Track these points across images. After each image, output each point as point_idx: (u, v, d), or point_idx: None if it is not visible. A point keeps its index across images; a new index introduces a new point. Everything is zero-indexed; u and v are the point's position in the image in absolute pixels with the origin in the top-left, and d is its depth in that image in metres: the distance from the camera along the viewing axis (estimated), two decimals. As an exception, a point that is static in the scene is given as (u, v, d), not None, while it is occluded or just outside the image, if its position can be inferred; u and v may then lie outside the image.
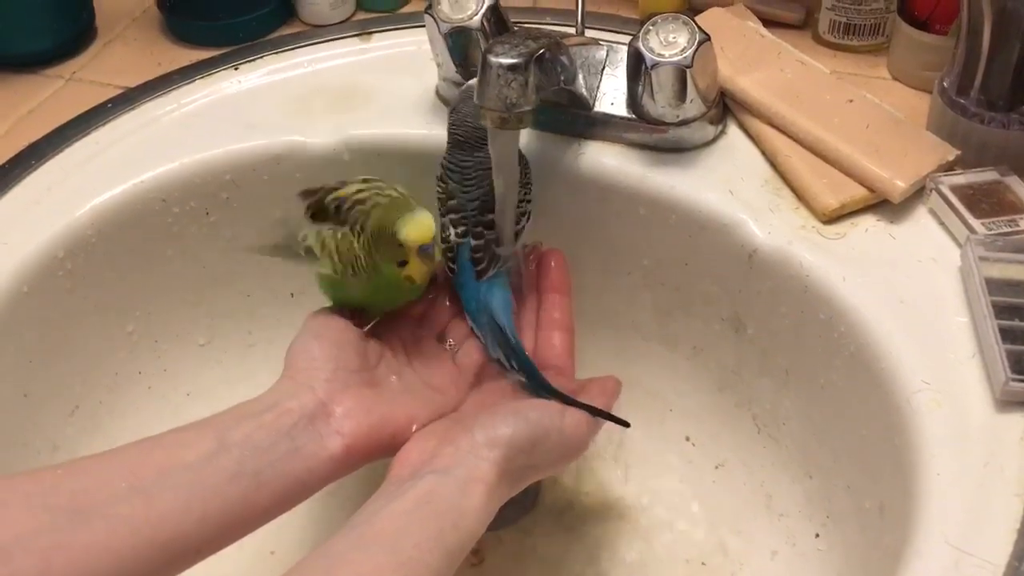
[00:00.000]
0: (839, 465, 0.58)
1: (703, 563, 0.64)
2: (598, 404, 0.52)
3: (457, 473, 0.45)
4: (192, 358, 0.70)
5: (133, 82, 0.72)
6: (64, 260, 0.61)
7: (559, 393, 0.52)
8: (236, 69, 0.72)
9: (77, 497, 0.42)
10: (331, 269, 0.52)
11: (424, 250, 0.51)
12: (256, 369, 0.72)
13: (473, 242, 0.56)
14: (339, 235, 0.51)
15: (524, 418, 0.48)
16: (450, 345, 0.57)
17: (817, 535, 0.60)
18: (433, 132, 0.65)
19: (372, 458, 0.50)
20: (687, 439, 0.68)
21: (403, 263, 0.51)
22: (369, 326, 0.55)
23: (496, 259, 0.56)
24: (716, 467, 0.66)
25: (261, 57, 0.73)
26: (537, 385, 0.53)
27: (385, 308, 0.56)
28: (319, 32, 0.75)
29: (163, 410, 0.69)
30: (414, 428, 0.50)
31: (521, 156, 0.57)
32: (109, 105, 0.69)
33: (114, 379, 0.67)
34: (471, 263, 0.56)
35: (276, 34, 0.76)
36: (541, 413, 0.49)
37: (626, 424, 0.53)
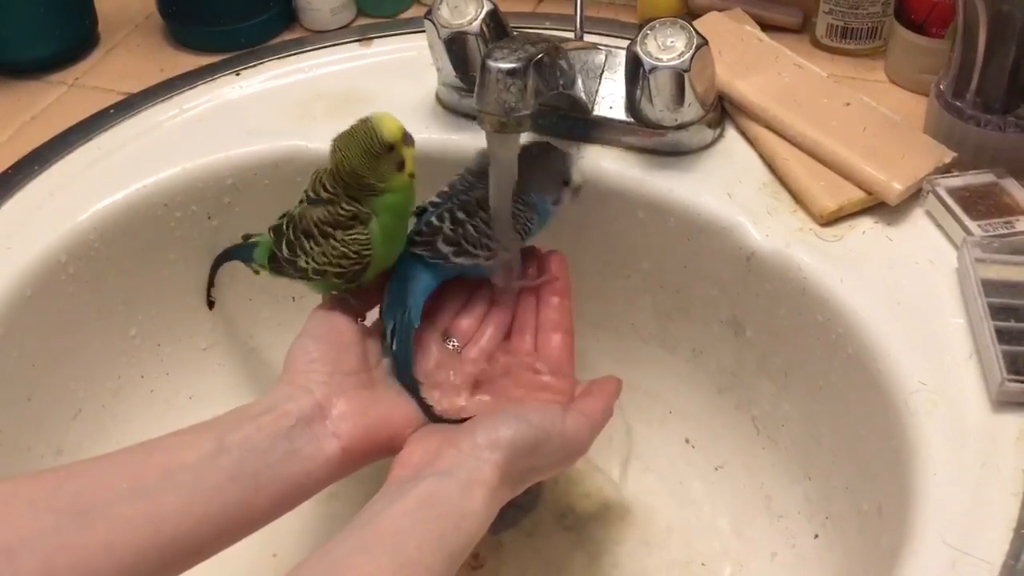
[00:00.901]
0: (838, 466, 0.58)
1: (703, 564, 0.64)
2: (598, 405, 0.52)
3: (459, 475, 0.45)
4: (194, 362, 0.71)
5: (135, 88, 0.72)
6: (67, 264, 0.62)
7: (412, 388, 0.52)
8: (238, 75, 0.72)
9: (79, 498, 0.42)
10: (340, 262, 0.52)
11: (406, 138, 0.51)
12: (258, 373, 0.72)
13: (434, 221, 0.55)
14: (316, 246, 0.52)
15: (526, 421, 0.48)
16: (454, 344, 0.57)
17: (816, 536, 0.60)
18: (433, 136, 0.66)
19: (370, 459, 0.50)
20: (687, 441, 0.68)
21: (401, 165, 0.51)
22: (372, 323, 0.55)
23: (442, 254, 0.55)
24: (716, 469, 0.67)
25: (262, 63, 0.73)
26: (400, 371, 0.53)
27: (392, 254, 0.55)
28: (320, 38, 0.76)
29: (166, 413, 0.69)
30: (412, 429, 0.50)
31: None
32: (111, 111, 0.70)
33: (117, 383, 0.67)
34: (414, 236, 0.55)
35: (277, 40, 0.77)
36: (543, 416, 0.49)
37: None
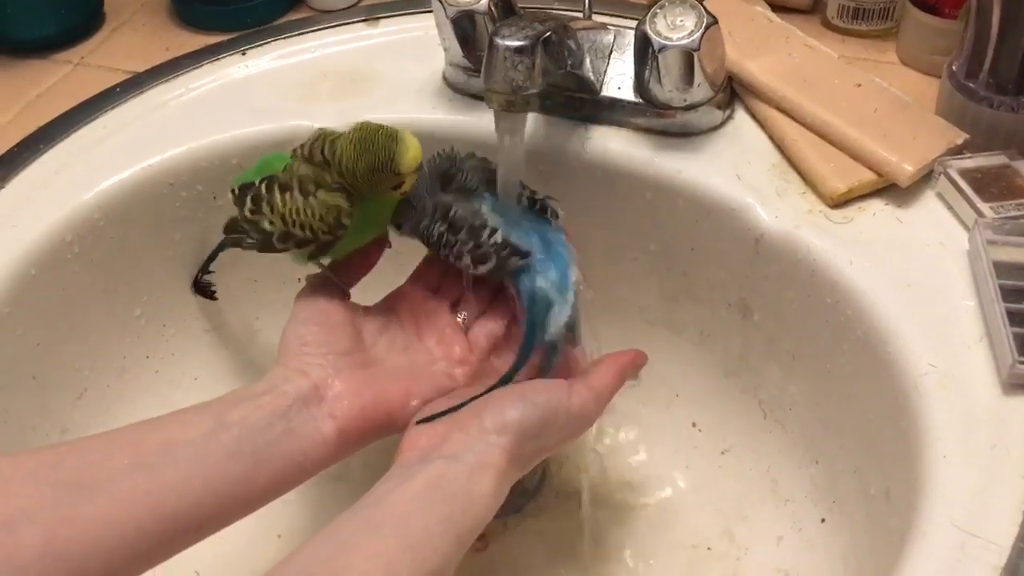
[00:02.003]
0: (845, 450, 0.58)
1: (709, 548, 0.64)
2: (606, 378, 0.52)
3: (467, 458, 0.45)
4: (200, 343, 0.71)
5: (141, 67, 0.72)
6: (72, 244, 0.62)
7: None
8: (244, 54, 0.72)
9: (80, 472, 0.42)
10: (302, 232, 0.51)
11: (419, 166, 0.50)
12: (263, 354, 0.72)
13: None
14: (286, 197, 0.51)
15: (532, 402, 0.48)
16: (463, 318, 0.56)
17: (823, 520, 0.60)
18: (440, 116, 0.65)
19: (369, 439, 0.50)
20: (693, 424, 0.68)
21: (398, 186, 0.50)
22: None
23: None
24: (722, 452, 0.66)
25: (269, 42, 0.73)
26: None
27: (366, 235, 0.54)
28: (326, 17, 0.75)
29: (171, 394, 0.69)
30: (413, 403, 0.50)
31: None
32: (117, 90, 0.70)
33: (122, 363, 0.67)
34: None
35: (284, 19, 0.76)
36: (549, 395, 0.49)
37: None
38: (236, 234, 0.54)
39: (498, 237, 0.53)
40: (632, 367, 0.54)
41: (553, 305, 0.53)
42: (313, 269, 0.55)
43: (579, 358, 0.55)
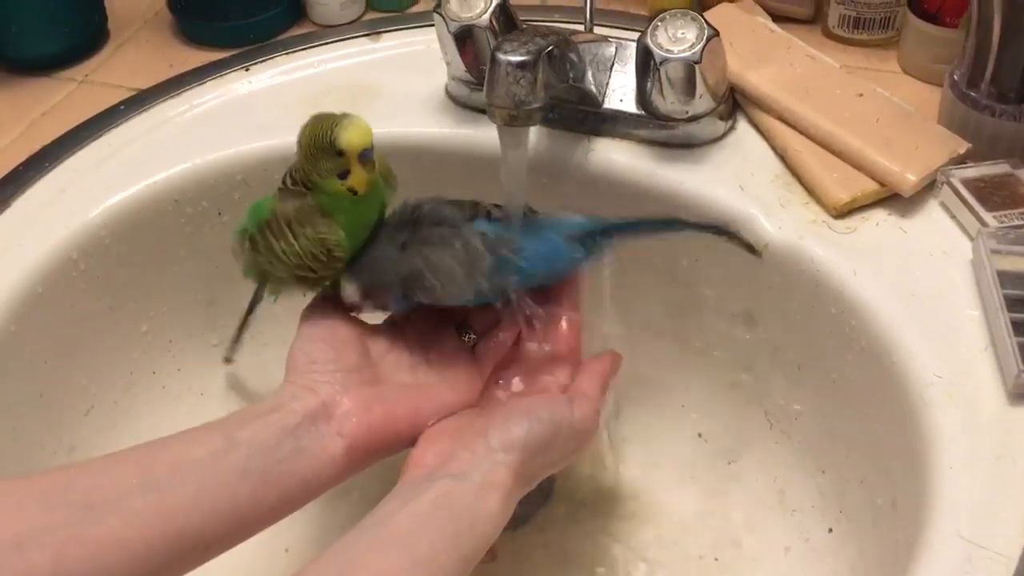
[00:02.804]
0: (852, 460, 0.58)
1: (716, 559, 0.64)
2: (595, 381, 0.52)
3: (473, 478, 0.45)
4: (206, 358, 0.71)
5: (145, 84, 0.72)
6: (78, 261, 0.62)
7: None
8: (247, 70, 0.72)
9: (90, 493, 0.42)
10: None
11: (365, 156, 0.48)
12: (269, 369, 0.72)
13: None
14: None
15: (537, 418, 0.48)
16: (469, 337, 0.56)
17: (830, 530, 0.60)
18: (443, 131, 0.66)
19: (378, 457, 0.50)
20: (699, 435, 0.68)
21: (344, 175, 0.49)
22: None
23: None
24: (728, 463, 0.66)
25: (272, 58, 0.73)
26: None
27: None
28: (329, 32, 0.76)
29: (177, 410, 0.69)
30: (421, 423, 0.50)
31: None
32: (121, 107, 0.70)
33: (129, 379, 0.67)
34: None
35: (286, 35, 0.77)
36: (552, 410, 0.49)
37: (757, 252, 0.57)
38: (264, 279, 0.54)
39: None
40: (612, 371, 0.54)
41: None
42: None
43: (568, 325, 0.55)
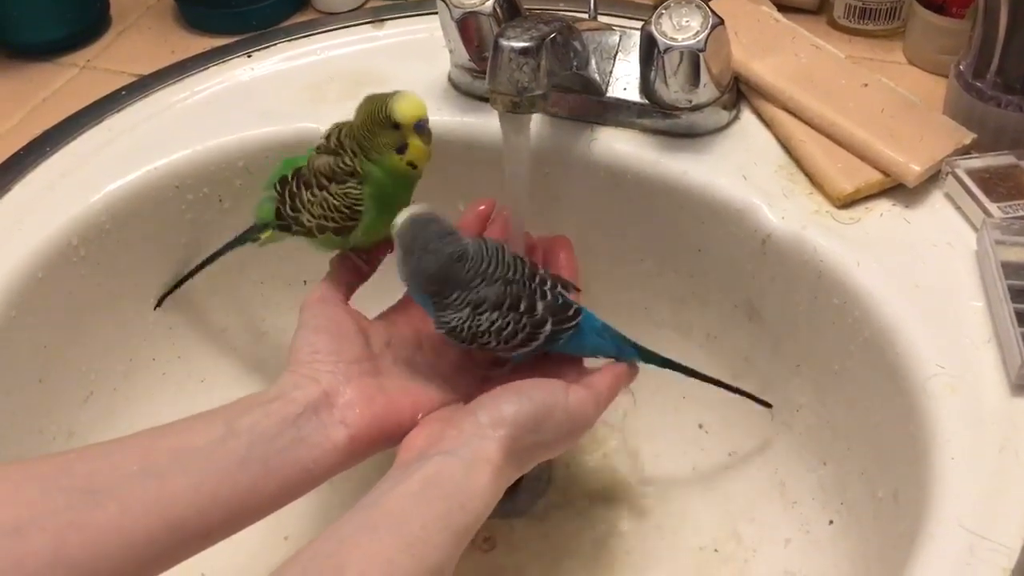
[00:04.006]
0: (853, 451, 0.57)
1: (716, 550, 0.63)
2: (604, 381, 0.52)
3: (463, 454, 0.45)
4: (206, 345, 0.71)
5: (147, 70, 0.72)
6: (78, 247, 0.62)
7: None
8: (249, 56, 0.72)
9: (90, 478, 0.42)
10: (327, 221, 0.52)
11: (420, 127, 0.50)
12: (269, 356, 0.72)
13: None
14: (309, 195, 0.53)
15: (527, 397, 0.48)
16: None
17: (831, 522, 0.60)
18: (445, 118, 0.65)
19: (379, 447, 0.50)
20: (700, 426, 0.68)
21: (402, 148, 0.51)
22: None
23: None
24: (729, 454, 0.66)
25: (274, 44, 0.73)
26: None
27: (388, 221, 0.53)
28: (332, 19, 0.75)
29: (177, 397, 0.69)
30: (420, 416, 0.50)
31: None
32: (123, 93, 0.70)
33: (128, 365, 0.67)
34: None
35: (289, 22, 0.77)
36: (544, 391, 0.49)
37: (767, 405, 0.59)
38: (283, 221, 0.55)
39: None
40: (627, 377, 0.54)
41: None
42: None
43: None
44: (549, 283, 0.51)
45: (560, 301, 0.51)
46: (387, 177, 0.51)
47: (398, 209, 0.50)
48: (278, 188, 0.55)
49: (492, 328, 0.49)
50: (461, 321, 0.49)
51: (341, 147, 0.52)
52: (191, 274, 0.65)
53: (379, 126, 0.50)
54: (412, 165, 0.51)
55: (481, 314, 0.49)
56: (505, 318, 0.49)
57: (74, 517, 0.41)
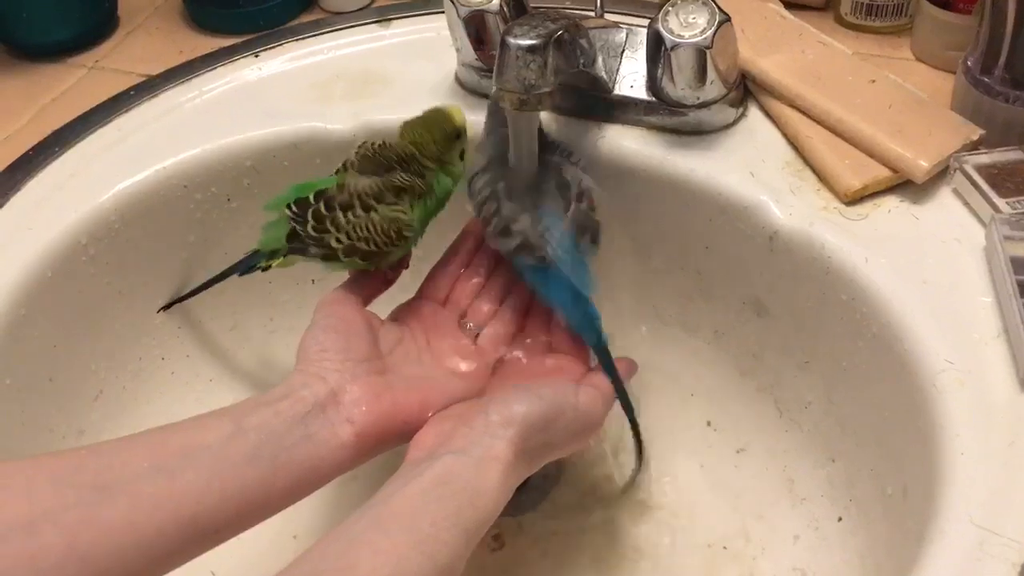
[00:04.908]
0: (862, 448, 0.57)
1: (724, 547, 0.63)
2: (609, 385, 0.53)
3: (473, 453, 0.45)
4: (215, 344, 0.71)
5: (155, 70, 0.72)
6: (88, 246, 0.62)
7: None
8: (257, 56, 0.72)
9: (101, 475, 0.42)
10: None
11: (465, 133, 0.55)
12: (278, 355, 0.72)
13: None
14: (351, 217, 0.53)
15: (537, 396, 0.48)
16: (470, 328, 0.57)
17: (840, 519, 0.59)
18: (453, 117, 0.65)
19: (386, 445, 0.50)
20: (708, 424, 0.68)
21: (463, 154, 0.55)
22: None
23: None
24: (738, 451, 0.66)
25: (281, 44, 0.73)
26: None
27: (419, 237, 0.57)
28: (339, 19, 0.75)
29: (186, 395, 0.69)
30: (429, 414, 0.50)
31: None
32: (131, 93, 0.70)
33: (138, 364, 0.67)
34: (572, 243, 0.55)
35: (296, 21, 0.77)
36: (555, 391, 0.49)
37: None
38: (298, 244, 0.55)
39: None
40: (627, 374, 0.55)
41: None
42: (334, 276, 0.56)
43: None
44: (567, 231, 0.54)
45: (554, 239, 0.54)
46: (453, 185, 0.55)
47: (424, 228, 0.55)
48: (294, 210, 0.54)
49: (480, 197, 0.55)
50: (479, 182, 0.55)
51: (400, 166, 0.53)
52: (194, 292, 0.65)
53: (451, 139, 0.54)
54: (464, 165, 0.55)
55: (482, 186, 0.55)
56: (495, 201, 0.55)
57: (85, 514, 0.41)
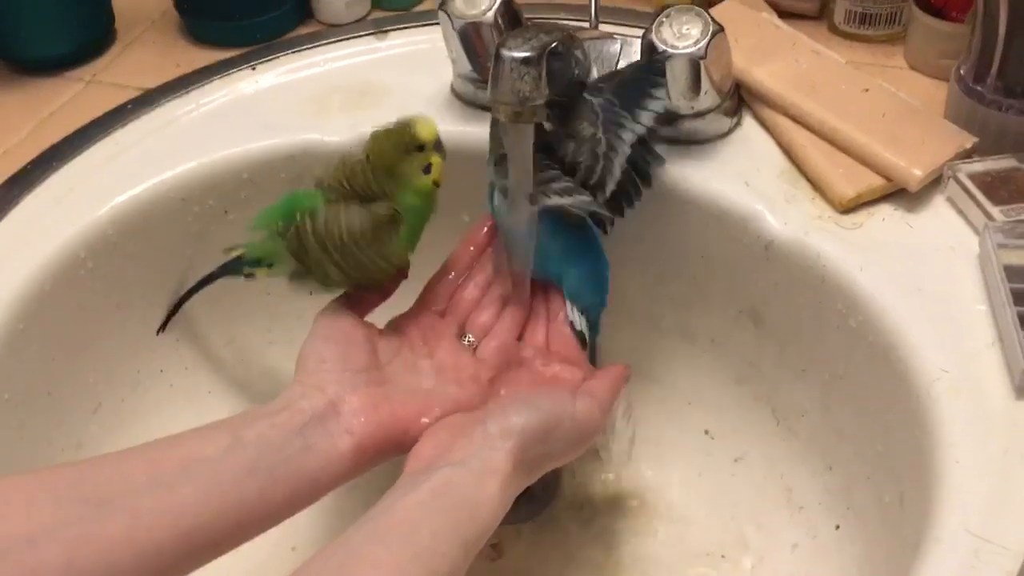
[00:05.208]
0: (859, 456, 0.57)
1: (723, 556, 0.63)
2: (604, 384, 0.53)
3: (472, 465, 0.45)
4: (213, 356, 0.71)
5: (152, 83, 0.72)
6: (86, 259, 0.62)
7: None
8: (253, 69, 0.73)
9: (99, 490, 0.43)
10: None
11: (438, 145, 0.52)
12: (276, 367, 0.72)
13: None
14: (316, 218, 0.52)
15: (536, 407, 0.48)
16: (469, 340, 0.57)
17: (838, 527, 0.60)
18: (448, 128, 0.65)
19: (385, 455, 0.50)
20: (706, 432, 0.68)
21: (427, 169, 0.52)
22: (383, 318, 0.55)
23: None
24: (735, 460, 0.66)
25: (278, 57, 0.73)
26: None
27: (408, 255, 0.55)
28: (335, 31, 0.76)
29: (185, 408, 0.69)
30: (427, 424, 0.50)
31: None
32: (129, 106, 0.70)
33: (136, 377, 0.67)
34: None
35: (293, 34, 0.77)
36: (552, 401, 0.49)
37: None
38: (301, 274, 0.55)
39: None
40: (623, 379, 0.55)
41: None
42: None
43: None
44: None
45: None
46: (421, 202, 0.52)
47: (414, 246, 0.53)
48: (292, 243, 0.53)
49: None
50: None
51: (367, 192, 0.52)
52: (180, 303, 0.65)
53: (406, 152, 0.51)
54: (436, 183, 0.52)
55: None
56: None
57: (85, 529, 0.41)
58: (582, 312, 0.57)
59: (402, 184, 0.52)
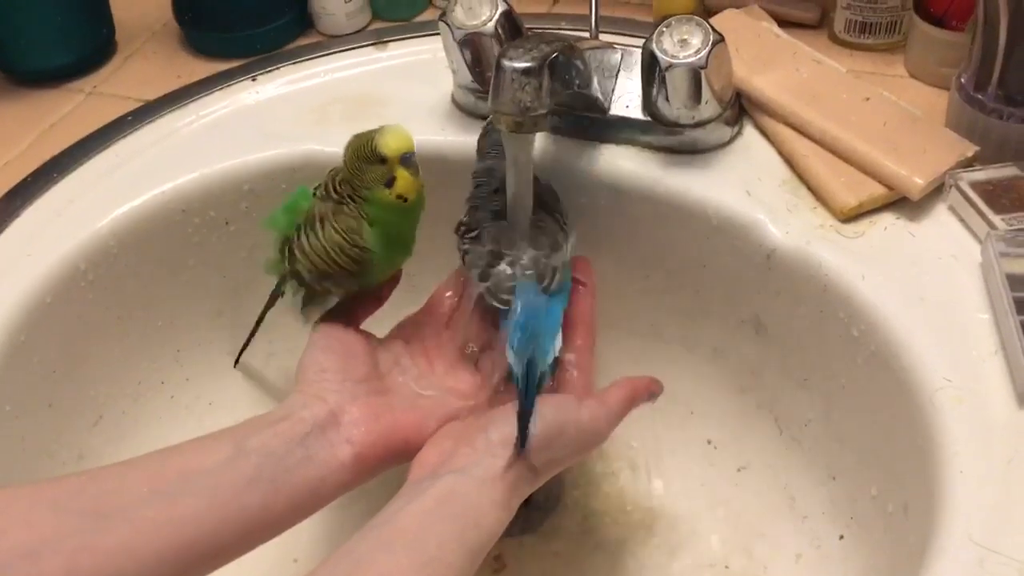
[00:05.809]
0: (862, 465, 0.57)
1: (726, 566, 0.63)
2: (619, 395, 0.52)
3: (475, 473, 0.45)
4: (214, 368, 0.71)
5: (153, 95, 0.73)
6: (86, 271, 0.62)
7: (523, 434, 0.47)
8: (254, 80, 0.73)
9: (101, 501, 0.43)
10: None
11: (407, 160, 0.50)
12: (277, 378, 0.72)
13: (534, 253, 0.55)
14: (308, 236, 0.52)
15: (540, 415, 0.48)
16: (472, 351, 0.57)
17: (841, 537, 0.59)
18: (449, 139, 0.66)
19: (386, 465, 0.50)
20: (709, 442, 0.68)
21: (390, 182, 0.50)
22: (378, 325, 0.55)
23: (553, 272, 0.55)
24: (739, 470, 0.66)
25: (278, 68, 0.73)
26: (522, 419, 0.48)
27: (397, 257, 0.55)
28: (335, 42, 0.76)
29: (186, 419, 0.69)
30: (429, 433, 0.50)
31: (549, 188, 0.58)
32: (129, 118, 0.70)
33: (137, 388, 0.67)
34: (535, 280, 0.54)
35: (293, 45, 0.77)
36: (557, 408, 0.49)
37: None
38: (282, 286, 0.56)
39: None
40: (646, 392, 0.54)
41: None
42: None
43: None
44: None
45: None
46: (387, 213, 0.51)
47: (403, 249, 0.52)
48: (282, 250, 0.55)
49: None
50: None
51: (341, 197, 0.52)
52: (252, 333, 0.66)
53: (366, 162, 0.50)
54: (402, 198, 0.51)
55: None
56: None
57: (86, 540, 0.41)
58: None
59: (362, 194, 0.51)
